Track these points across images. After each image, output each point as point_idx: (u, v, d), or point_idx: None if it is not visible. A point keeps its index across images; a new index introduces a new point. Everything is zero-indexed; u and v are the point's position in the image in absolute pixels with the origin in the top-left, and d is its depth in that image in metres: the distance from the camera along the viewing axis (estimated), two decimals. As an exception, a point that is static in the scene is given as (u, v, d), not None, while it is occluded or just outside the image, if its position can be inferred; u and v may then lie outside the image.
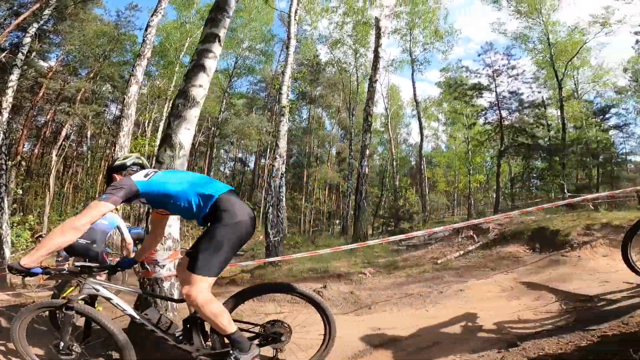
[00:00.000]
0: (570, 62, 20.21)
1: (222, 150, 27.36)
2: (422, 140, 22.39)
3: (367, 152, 12.04)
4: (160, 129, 18.62)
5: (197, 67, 3.60)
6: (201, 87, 3.56)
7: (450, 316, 3.64)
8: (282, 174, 9.57)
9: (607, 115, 21.12)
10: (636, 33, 18.35)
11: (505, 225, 6.86)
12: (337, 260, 7.96)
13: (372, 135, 33.88)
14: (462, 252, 6.71)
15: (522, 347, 2.25)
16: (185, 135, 3.40)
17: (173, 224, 3.18)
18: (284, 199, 10.77)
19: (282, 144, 8.98)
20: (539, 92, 20.87)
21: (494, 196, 21.06)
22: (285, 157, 9.80)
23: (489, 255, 6.19)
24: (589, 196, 9.04)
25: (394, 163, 25.91)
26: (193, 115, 3.48)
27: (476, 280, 5.14)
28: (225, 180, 20.43)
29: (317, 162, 26.76)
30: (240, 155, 29.00)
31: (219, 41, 3.78)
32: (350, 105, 23.72)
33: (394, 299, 4.77)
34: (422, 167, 22.55)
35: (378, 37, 15.58)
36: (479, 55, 22.45)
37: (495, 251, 6.23)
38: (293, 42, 11.08)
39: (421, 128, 22.20)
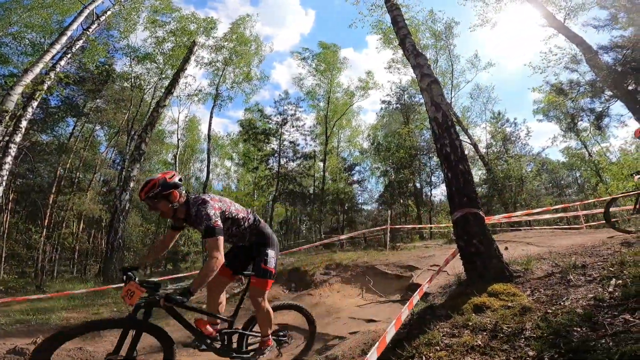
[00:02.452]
0: (338, 121, 25.63)
1: None
2: (207, 177, 21.97)
3: (131, 184, 10.35)
4: None
5: None
6: None
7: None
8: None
9: (352, 172, 27.59)
10: (383, 102, 25.46)
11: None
12: (69, 311, 6.12)
13: (161, 168, 30.90)
14: (228, 295, 6.52)
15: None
16: None
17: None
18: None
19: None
20: (312, 145, 25.02)
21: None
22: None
23: (252, 297, 6.27)
24: (343, 237, 11.11)
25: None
26: None
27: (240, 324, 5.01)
28: None
29: (73, 188, 21.10)
30: None
31: None
32: (131, 127, 20.84)
33: None
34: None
35: (186, 60, 14.92)
36: (275, 102, 24.84)
37: (258, 293, 6.37)
38: (65, 37, 8.68)
39: (209, 164, 21.85)
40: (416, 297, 2.56)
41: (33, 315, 5.61)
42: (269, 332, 2.96)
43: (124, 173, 14.11)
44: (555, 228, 11.72)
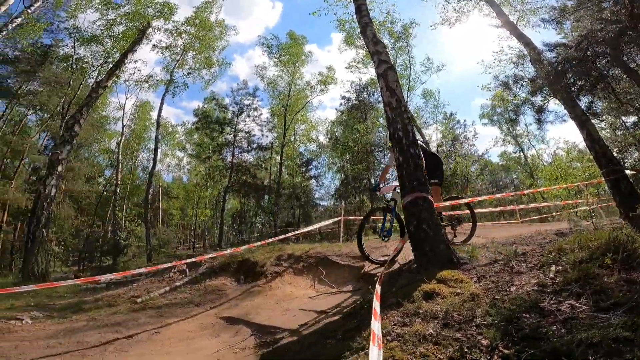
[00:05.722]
0: (295, 115, 25.37)
1: None
2: (154, 166, 20.57)
3: (60, 168, 9.25)
4: None
5: None
6: None
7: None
8: None
9: (309, 167, 27.52)
10: (343, 97, 25.52)
11: (218, 258, 6.90)
12: None
13: (102, 156, 28.45)
14: (168, 288, 6.06)
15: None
16: None
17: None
18: None
19: None
20: (268, 137, 24.52)
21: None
22: None
23: (197, 289, 5.91)
24: (298, 232, 10.86)
25: (117, 189, 22.45)
26: None
27: (178, 319, 4.67)
28: None
29: (-5, 176, 18.60)
30: None
31: None
32: (67, 111, 18.93)
33: (59, 350, 3.61)
34: (148, 195, 20.57)
35: (137, 42, 14.00)
36: (232, 91, 24.02)
37: (203, 285, 6.02)
38: None
39: (156, 152, 20.47)
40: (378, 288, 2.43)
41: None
42: None
43: (52, 156, 12.61)
44: (495, 223, 12.61)
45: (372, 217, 6.51)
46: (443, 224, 4.70)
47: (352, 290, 4.54)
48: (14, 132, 19.88)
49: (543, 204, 13.93)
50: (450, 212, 5.39)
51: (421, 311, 2.22)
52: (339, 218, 9.11)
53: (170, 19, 20.16)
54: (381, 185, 5.36)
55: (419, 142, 4.53)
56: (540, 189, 13.78)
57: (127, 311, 5.09)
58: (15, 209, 19.71)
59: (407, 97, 22.85)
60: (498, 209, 13.97)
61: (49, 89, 19.39)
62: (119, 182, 22.99)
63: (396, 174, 4.89)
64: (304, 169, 27.13)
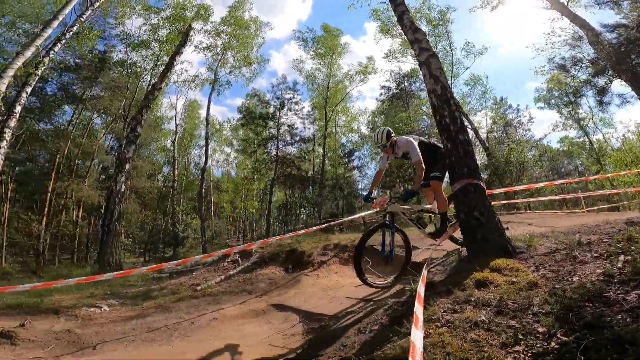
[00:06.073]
0: (336, 107, 25.44)
1: None
2: (206, 162, 21.83)
3: (127, 166, 10.22)
4: None
5: None
6: None
7: (199, 351, 3.35)
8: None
9: (352, 157, 27.46)
10: (382, 87, 25.14)
11: (267, 248, 7.21)
12: (61, 293, 6.11)
13: (160, 155, 30.89)
14: (223, 277, 6.46)
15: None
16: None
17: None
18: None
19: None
20: (310, 129, 24.84)
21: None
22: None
23: (249, 278, 6.22)
24: (341, 220, 10.99)
25: (175, 185, 24.08)
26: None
27: (232, 306, 4.98)
28: None
29: (71, 175, 20.90)
30: None
31: None
32: (128, 113, 20.61)
33: (132, 335, 4.01)
34: (202, 190, 21.89)
35: (182, 44, 14.89)
36: (273, 87, 24.73)
37: (254, 274, 6.32)
38: (57, 21, 8.49)
39: (207, 148, 21.68)
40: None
41: (25, 299, 5.55)
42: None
43: (119, 155, 13.97)
44: (556, 211, 11.66)
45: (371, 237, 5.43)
46: (452, 222, 4.39)
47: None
48: (83, 135, 22.11)
49: (612, 191, 12.60)
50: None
51: (472, 299, 2.17)
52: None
53: (209, 20, 21.16)
54: (373, 196, 4.66)
55: (414, 136, 4.46)
56: (608, 175, 12.51)
57: (188, 298, 5.51)
58: (89, 205, 22.03)
59: (452, 84, 21.82)
60: (559, 196, 12.91)
61: (109, 94, 21.29)
62: (175, 178, 24.68)
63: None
64: (346, 160, 27.12)
